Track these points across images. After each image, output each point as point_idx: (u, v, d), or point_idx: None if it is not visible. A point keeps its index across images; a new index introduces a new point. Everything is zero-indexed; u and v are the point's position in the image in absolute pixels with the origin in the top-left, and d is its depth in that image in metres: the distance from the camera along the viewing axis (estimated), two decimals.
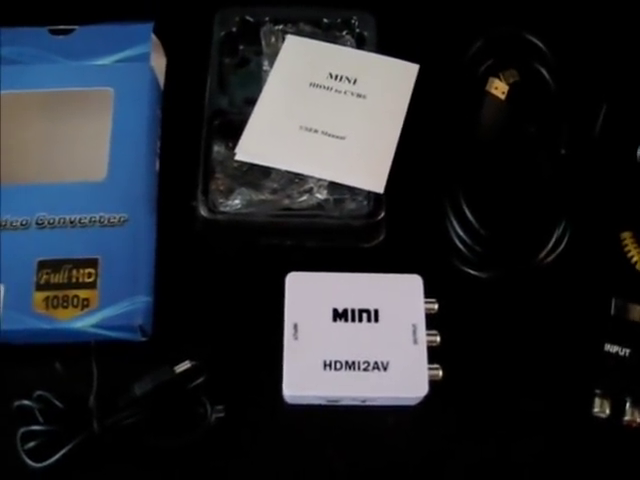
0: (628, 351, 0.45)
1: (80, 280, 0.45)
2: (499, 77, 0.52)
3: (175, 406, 0.43)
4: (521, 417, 0.45)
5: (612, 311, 0.46)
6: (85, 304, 0.44)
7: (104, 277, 0.45)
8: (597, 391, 0.45)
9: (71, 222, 0.46)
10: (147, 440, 0.43)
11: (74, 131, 0.50)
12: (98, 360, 0.43)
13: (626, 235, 0.49)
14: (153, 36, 0.52)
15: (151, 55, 0.51)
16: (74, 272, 0.45)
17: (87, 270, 0.45)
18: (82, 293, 0.44)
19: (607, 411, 0.44)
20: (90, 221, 0.46)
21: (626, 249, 0.49)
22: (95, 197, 0.47)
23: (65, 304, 0.44)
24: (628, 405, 0.44)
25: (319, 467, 0.44)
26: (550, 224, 0.48)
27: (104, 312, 0.44)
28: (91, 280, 0.45)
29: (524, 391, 0.46)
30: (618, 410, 0.44)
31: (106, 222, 0.46)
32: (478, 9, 0.56)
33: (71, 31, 0.51)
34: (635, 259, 0.48)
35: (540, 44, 0.52)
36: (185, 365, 0.43)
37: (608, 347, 0.45)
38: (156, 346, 0.46)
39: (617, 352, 0.45)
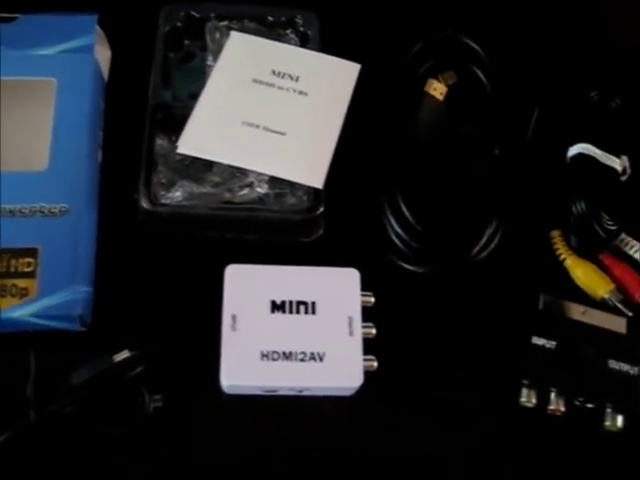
0: (554, 344, 0.47)
1: (19, 269, 0.44)
2: (438, 79, 0.53)
3: (113, 395, 0.43)
4: (452, 407, 0.47)
5: (540, 306, 0.48)
6: (24, 293, 0.44)
7: (44, 267, 0.45)
8: (524, 382, 0.46)
9: (11, 212, 0.46)
10: (85, 429, 0.43)
11: (16, 121, 0.49)
12: (36, 350, 0.43)
13: (555, 234, 0.51)
14: (98, 28, 0.51)
15: (95, 47, 0.51)
16: (13, 261, 0.44)
17: (26, 260, 0.45)
18: (21, 282, 0.44)
19: (533, 401, 0.46)
20: (30, 211, 0.46)
21: (555, 247, 0.51)
22: (36, 187, 0.46)
23: (3, 293, 0.44)
24: (553, 395, 0.46)
25: (258, 455, 0.45)
26: (483, 222, 0.49)
27: (43, 301, 0.44)
28: (30, 270, 0.44)
29: (456, 382, 0.47)
30: (544, 400, 0.46)
31: (47, 212, 0.46)
32: (419, 12, 0.57)
33: (14, 19, 0.51)
34: (563, 257, 0.50)
35: (477, 47, 0.54)
36: (124, 354, 0.44)
37: (535, 340, 0.47)
38: (95, 336, 0.45)
39: (544, 345, 0.47)
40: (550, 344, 0.47)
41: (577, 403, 0.46)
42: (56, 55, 0.50)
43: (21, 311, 0.44)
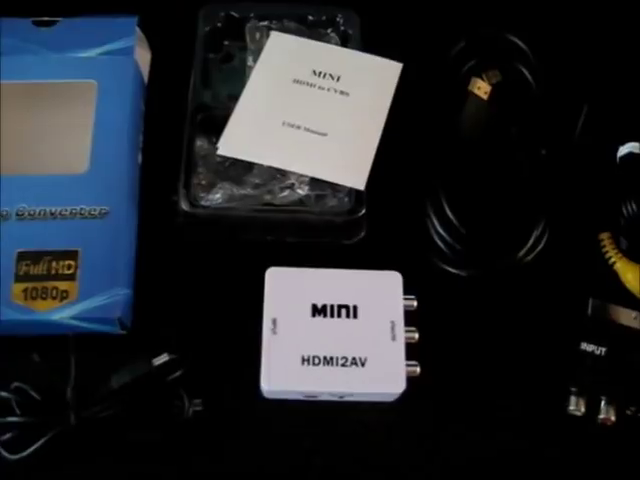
0: (604, 350, 0.45)
1: (59, 272, 0.44)
2: (482, 77, 0.52)
3: (152, 399, 0.43)
4: (498, 414, 0.46)
5: (589, 310, 0.47)
6: (64, 296, 0.44)
7: (84, 269, 0.45)
8: (573, 389, 0.45)
9: (52, 214, 0.46)
10: (124, 433, 0.43)
11: (57, 123, 0.49)
12: (76, 352, 0.43)
13: (604, 236, 0.49)
14: (137, 30, 0.52)
15: (135, 49, 0.51)
16: (53, 264, 0.45)
17: (67, 262, 0.45)
18: (61, 285, 0.44)
19: (582, 409, 0.45)
20: (71, 213, 0.46)
21: (604, 250, 0.49)
22: (76, 189, 0.47)
23: (44, 295, 0.44)
24: (603, 404, 0.45)
25: (296, 461, 0.44)
26: (529, 223, 0.48)
27: (83, 304, 0.44)
28: (70, 272, 0.44)
29: (501, 388, 0.46)
30: (593, 408, 0.45)
31: (87, 214, 0.46)
32: (462, 9, 0.56)
33: (55, 23, 0.51)
34: (612, 260, 0.49)
35: (522, 45, 0.53)
36: (163, 358, 0.43)
37: (584, 346, 0.46)
38: (135, 339, 0.46)
39: (593, 351, 0.46)
40: (600, 350, 0.46)
41: (629, 412, 0.45)
42: (97, 57, 0.50)
43: (61, 314, 0.44)
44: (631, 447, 0.45)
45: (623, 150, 0.50)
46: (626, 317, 0.47)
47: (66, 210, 0.46)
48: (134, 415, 0.43)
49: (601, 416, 0.45)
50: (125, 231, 0.47)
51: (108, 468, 0.43)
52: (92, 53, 0.50)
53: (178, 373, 0.43)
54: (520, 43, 0.53)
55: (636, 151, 0.50)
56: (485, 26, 0.54)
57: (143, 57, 0.52)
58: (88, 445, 0.43)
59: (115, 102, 0.49)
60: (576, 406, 0.45)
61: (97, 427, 0.42)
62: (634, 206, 0.48)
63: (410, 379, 0.43)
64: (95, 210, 0.46)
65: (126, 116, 0.49)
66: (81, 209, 0.46)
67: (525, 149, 0.51)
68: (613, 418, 0.44)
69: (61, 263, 0.45)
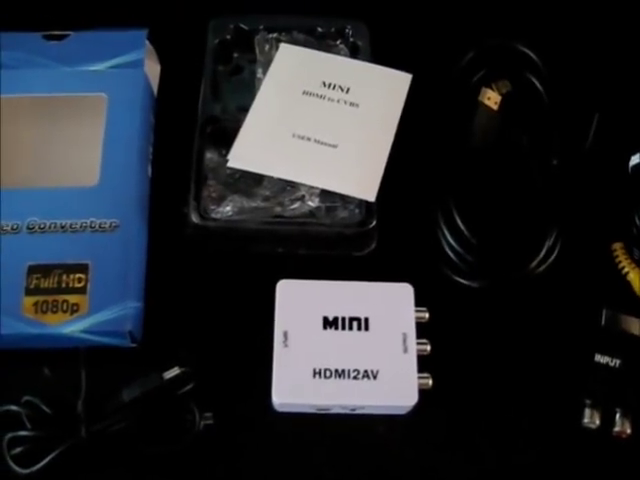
0: (618, 362, 0.45)
1: (70, 285, 0.44)
2: (492, 87, 0.52)
3: (163, 413, 0.43)
4: (511, 426, 0.45)
5: (602, 322, 0.46)
6: (75, 309, 0.44)
7: (94, 282, 0.45)
8: (587, 401, 0.45)
9: (62, 227, 0.46)
10: (135, 447, 0.42)
11: (67, 136, 0.50)
12: (87, 366, 0.43)
13: (617, 246, 0.49)
14: (147, 43, 0.52)
15: (145, 61, 0.51)
16: (64, 277, 0.45)
17: (77, 275, 0.45)
18: (72, 298, 0.44)
19: (597, 422, 0.44)
20: (81, 226, 0.46)
21: (617, 260, 0.49)
22: (87, 202, 0.47)
23: (55, 309, 0.44)
24: (618, 416, 0.44)
25: (308, 475, 0.44)
26: (541, 234, 0.48)
27: (94, 317, 0.44)
28: (81, 285, 0.44)
29: (514, 401, 0.46)
30: (608, 421, 0.44)
31: (97, 227, 0.46)
32: (471, 20, 0.56)
33: (65, 37, 0.51)
34: (626, 270, 0.49)
35: (532, 55, 0.52)
36: (174, 371, 0.43)
37: (598, 358, 0.45)
38: (145, 352, 0.45)
39: (607, 363, 0.45)
40: (614, 362, 0.45)
41: None
42: (107, 70, 0.51)
43: (72, 327, 0.44)
44: None
45: (635, 159, 0.50)
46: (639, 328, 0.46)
47: (76, 223, 0.46)
48: (145, 429, 0.42)
49: (616, 429, 0.44)
50: (135, 244, 0.47)
51: None
52: (102, 66, 0.51)
53: (189, 386, 0.43)
54: (530, 53, 0.53)
55: None
56: (494, 36, 0.54)
57: (153, 70, 0.53)
58: (99, 459, 0.42)
59: (125, 115, 0.49)
60: (590, 419, 0.44)
61: (108, 441, 0.42)
62: None
63: (422, 391, 0.43)
64: (105, 223, 0.46)
65: (136, 129, 0.49)
66: (91, 222, 0.46)
67: (536, 159, 0.50)
68: (629, 431, 0.44)
69: (72, 276, 0.45)
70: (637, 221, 0.48)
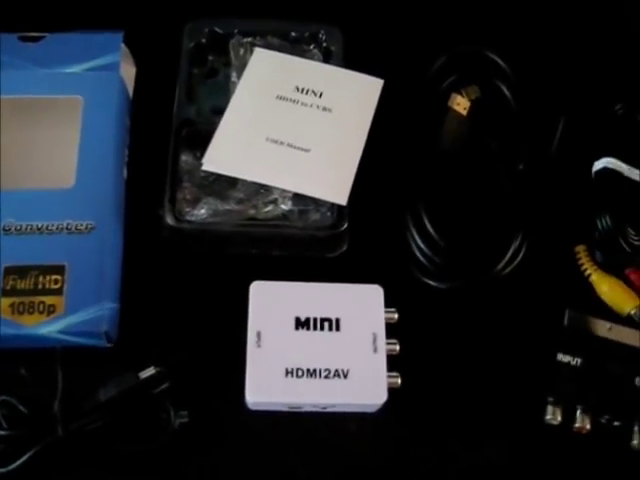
0: (579, 361, 0.46)
1: (46, 286, 0.45)
2: (461, 93, 0.53)
3: (139, 411, 0.44)
4: (477, 424, 0.46)
5: (565, 322, 0.48)
6: (51, 310, 0.44)
7: (71, 284, 0.45)
8: (550, 399, 0.46)
9: (38, 229, 0.46)
10: (111, 445, 0.43)
11: (43, 138, 0.50)
12: (63, 366, 0.43)
13: (580, 249, 0.50)
14: (123, 45, 0.52)
15: (121, 64, 0.51)
16: (40, 278, 0.45)
17: (54, 277, 0.45)
18: (48, 299, 0.45)
19: (559, 418, 0.46)
20: (57, 228, 0.46)
21: (580, 262, 0.50)
22: (63, 204, 0.47)
23: (31, 310, 0.44)
24: (578, 413, 0.46)
25: (281, 473, 0.45)
26: (507, 237, 0.49)
27: (70, 318, 0.44)
28: (57, 286, 0.45)
29: (480, 399, 0.47)
30: (569, 417, 0.46)
31: (73, 229, 0.46)
32: (442, 27, 0.57)
33: (41, 38, 0.51)
34: (588, 272, 0.50)
35: (500, 62, 0.53)
36: (150, 371, 0.44)
37: (560, 357, 0.46)
38: (121, 352, 0.46)
39: (569, 362, 0.46)
40: (576, 361, 0.46)
41: (603, 421, 0.46)
42: (82, 73, 0.51)
43: (48, 328, 0.44)
44: (605, 455, 0.46)
45: (598, 165, 0.51)
46: (601, 328, 0.48)
47: (53, 225, 0.46)
48: (121, 428, 0.43)
49: (576, 425, 0.45)
50: (111, 246, 0.47)
51: None
52: (78, 68, 0.51)
53: (164, 386, 0.44)
54: (498, 60, 0.54)
55: (611, 166, 0.50)
56: (464, 43, 0.54)
57: (128, 72, 0.53)
58: (76, 458, 0.43)
59: (101, 117, 0.49)
60: (553, 415, 0.46)
61: (84, 440, 0.43)
62: (608, 220, 0.49)
63: (391, 390, 0.44)
64: (82, 225, 0.46)
65: (112, 131, 0.49)
66: (67, 224, 0.46)
67: (503, 163, 0.51)
68: (588, 427, 0.45)
69: (48, 278, 0.45)
70: (599, 225, 0.49)
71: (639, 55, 0.57)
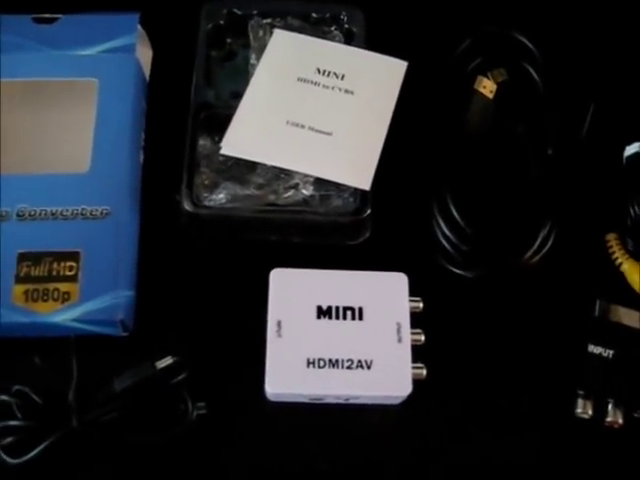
0: (611, 352, 0.45)
1: (61, 273, 0.44)
2: (487, 76, 0.52)
3: (156, 402, 0.43)
4: (504, 417, 0.45)
5: (596, 312, 0.46)
6: (66, 298, 0.44)
7: (85, 270, 0.44)
8: (580, 392, 0.45)
9: (52, 214, 0.45)
10: (127, 436, 0.42)
11: (57, 122, 0.49)
12: (78, 355, 0.42)
13: (611, 237, 0.49)
14: (139, 27, 0.51)
15: (137, 46, 0.50)
16: (55, 265, 0.44)
17: (68, 263, 0.44)
18: (63, 286, 0.44)
19: (590, 412, 0.44)
20: (72, 213, 0.45)
21: (610, 251, 0.49)
22: (78, 189, 0.46)
23: (45, 297, 0.44)
24: (610, 406, 0.44)
25: (301, 465, 0.44)
26: (536, 224, 0.48)
27: (85, 306, 0.43)
28: (72, 273, 0.44)
29: (507, 391, 0.46)
30: (600, 411, 0.44)
31: (88, 215, 0.45)
32: (467, 7, 0.55)
33: (55, 20, 0.51)
34: (619, 261, 0.48)
35: (528, 43, 0.52)
36: (167, 361, 0.43)
37: (592, 348, 0.45)
38: (137, 341, 0.45)
39: (600, 353, 0.45)
40: (607, 353, 0.45)
41: (636, 415, 0.45)
42: (98, 55, 0.50)
43: (63, 316, 0.43)
44: (638, 450, 0.45)
45: (630, 150, 0.50)
46: (633, 319, 0.46)
47: (67, 210, 0.45)
48: (137, 418, 0.42)
49: (608, 419, 0.44)
50: (127, 232, 0.46)
51: (110, 472, 0.43)
52: (93, 51, 0.50)
53: (182, 376, 0.43)
54: (526, 41, 0.52)
55: None
56: (491, 24, 0.53)
57: (145, 55, 0.52)
58: (90, 449, 0.42)
59: (116, 100, 0.49)
60: (583, 409, 0.45)
61: (99, 431, 0.42)
62: None
63: (416, 382, 0.43)
64: (97, 210, 0.46)
65: (127, 115, 0.48)
66: (82, 209, 0.46)
67: (531, 148, 0.50)
68: (620, 421, 0.44)
69: (62, 264, 0.44)
70: (631, 212, 0.48)
71: None
